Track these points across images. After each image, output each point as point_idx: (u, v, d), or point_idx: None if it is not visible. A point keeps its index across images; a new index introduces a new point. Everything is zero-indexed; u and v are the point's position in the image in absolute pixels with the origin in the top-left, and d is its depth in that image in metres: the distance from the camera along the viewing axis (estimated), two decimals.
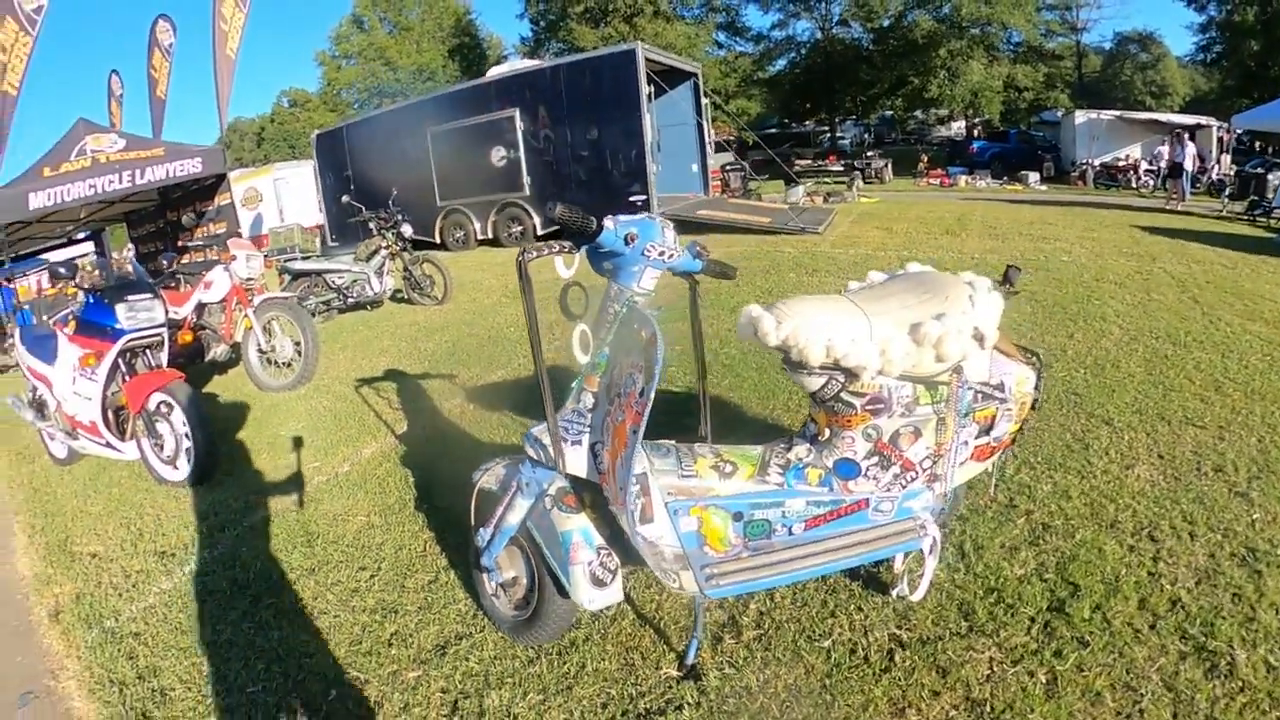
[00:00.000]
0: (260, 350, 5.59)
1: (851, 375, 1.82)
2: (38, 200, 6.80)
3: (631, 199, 10.75)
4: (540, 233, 11.47)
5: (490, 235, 12.19)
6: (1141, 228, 9.29)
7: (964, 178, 18.36)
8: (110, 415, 3.98)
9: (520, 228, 11.82)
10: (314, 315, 7.83)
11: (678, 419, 2.71)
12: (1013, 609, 2.05)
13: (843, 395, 1.85)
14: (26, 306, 8.73)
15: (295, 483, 3.73)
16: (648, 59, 10.64)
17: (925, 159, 20.96)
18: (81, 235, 12.64)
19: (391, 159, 12.78)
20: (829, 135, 30.26)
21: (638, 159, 10.59)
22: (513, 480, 1.95)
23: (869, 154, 20.64)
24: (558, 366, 3.03)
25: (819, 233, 9.62)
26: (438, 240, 12.74)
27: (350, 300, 7.98)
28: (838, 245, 8.69)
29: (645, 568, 1.81)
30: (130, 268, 4.63)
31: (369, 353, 6.27)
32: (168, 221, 11.93)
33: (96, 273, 4.34)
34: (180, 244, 10.17)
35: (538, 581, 1.99)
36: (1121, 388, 3.65)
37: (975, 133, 26.63)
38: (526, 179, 11.63)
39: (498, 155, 11.81)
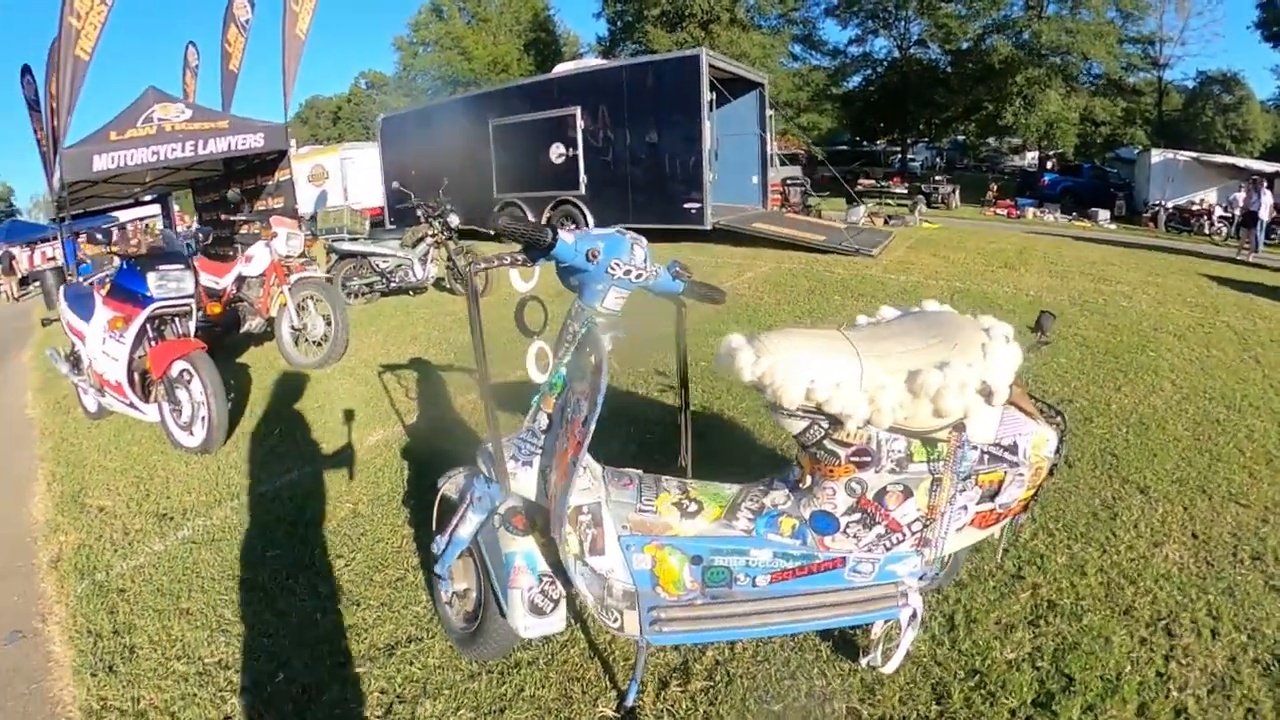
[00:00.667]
0: (293, 327, 5.73)
1: (836, 422, 1.68)
2: (102, 162, 7.13)
3: (686, 206, 10.70)
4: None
5: None
6: (1210, 277, 8.75)
7: (1032, 210, 17.71)
8: (135, 377, 4.12)
9: (574, 225, 11.88)
10: (357, 296, 8.04)
11: (660, 448, 2.62)
12: (993, 697, 1.87)
13: (825, 443, 1.70)
14: (88, 261, 9.17)
15: (298, 461, 3.79)
16: (712, 66, 10.56)
17: (995, 188, 20.27)
18: (148, 198, 13.26)
19: (453, 148, 13.05)
20: (900, 156, 29.62)
21: (695, 166, 10.52)
22: (469, 492, 1.90)
23: (936, 178, 20.07)
24: (525, 382, 3.07)
25: (872, 255, 9.39)
26: (492, 232, 12.93)
27: (393, 284, 8.14)
28: (890, 270, 8.47)
29: (582, 601, 1.72)
30: (162, 240, 4.81)
31: (400, 339, 6.36)
32: (236, 190, 12.42)
33: (133, 240, 4.52)
34: (224, 218, 10.57)
35: (484, 598, 1.94)
36: (1164, 452, 3.36)
37: (1048, 165, 25.71)
38: (583, 178, 11.70)
39: (556, 152, 11.90)
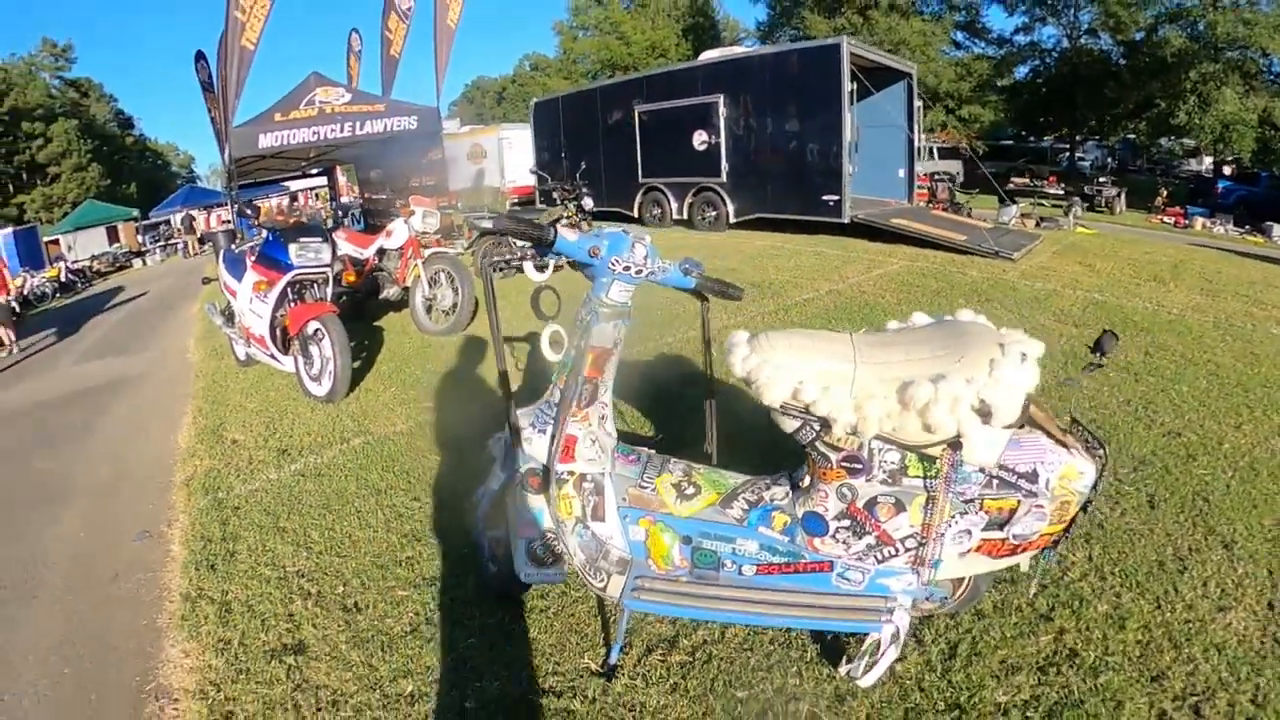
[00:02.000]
0: (425, 297, 6.35)
1: (827, 425, 1.72)
2: (266, 140, 8.21)
3: (824, 198, 10.56)
4: (732, 220, 11.69)
5: (685, 216, 12.59)
6: None
7: (1202, 220, 15.44)
8: (276, 332, 4.81)
9: (715, 212, 12.05)
10: (498, 271, 8.65)
11: (690, 434, 2.74)
12: None
13: (818, 444, 1.76)
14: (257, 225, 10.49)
15: (407, 416, 4.28)
16: (856, 55, 10.26)
17: (1165, 194, 17.87)
18: (314, 171, 14.93)
19: (600, 132, 13.72)
20: (1068, 154, 26.99)
21: (834, 158, 10.32)
22: (502, 452, 2.17)
23: (1101, 180, 18.07)
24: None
25: (1013, 259, 8.83)
26: (636, 215, 13.45)
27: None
28: (1027, 276, 7.94)
29: (570, 559, 1.91)
30: (304, 217, 5.52)
31: (524, 313, 6.77)
32: (392, 168, 13.72)
33: (278, 215, 5.24)
34: (368, 196, 11.51)
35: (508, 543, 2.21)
36: (1268, 504, 2.95)
37: (1223, 170, 22.34)
38: (725, 165, 11.82)
39: (699, 139, 12.09)
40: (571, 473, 1.88)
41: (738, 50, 13.05)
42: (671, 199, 12.77)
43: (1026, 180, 19.78)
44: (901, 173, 12.39)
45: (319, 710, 1.96)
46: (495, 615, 2.27)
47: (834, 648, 2.10)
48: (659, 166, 12.95)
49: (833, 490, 1.79)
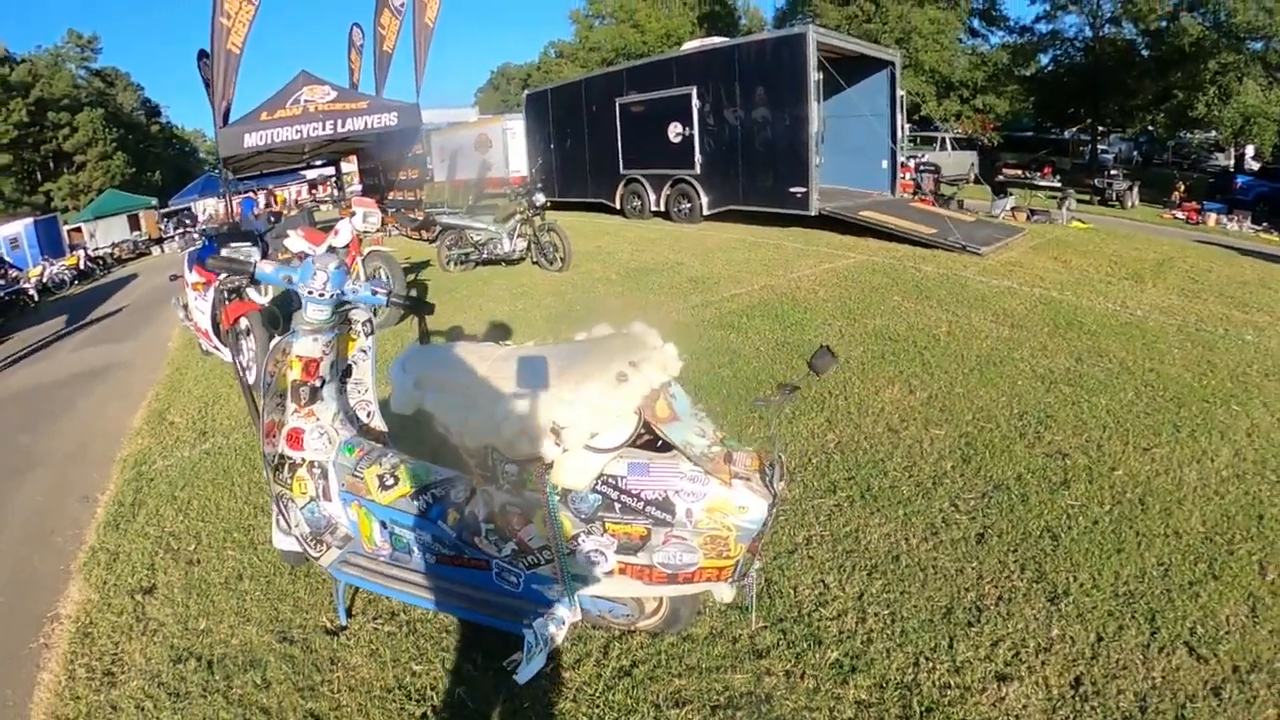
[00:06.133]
0: None
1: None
2: (251, 140, 8.86)
3: (792, 190, 10.81)
4: (706, 213, 12.01)
5: (663, 208, 12.91)
6: None
7: (1216, 216, 15.12)
8: (217, 326, 5.42)
9: (689, 204, 12.35)
10: (456, 264, 9.22)
11: None
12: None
13: (462, 451, 1.97)
14: (256, 216, 11.18)
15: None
16: (826, 45, 10.44)
17: (1182, 188, 17.45)
18: (320, 162, 15.71)
19: (586, 124, 14.12)
20: (1090, 146, 26.54)
21: (800, 149, 10.51)
22: None
23: (1111, 173, 17.81)
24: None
25: (980, 254, 8.90)
26: (618, 206, 13.82)
27: (484, 255, 9.22)
28: (988, 272, 8.03)
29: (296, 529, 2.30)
30: (240, 222, 6.11)
31: (466, 307, 7.25)
32: (379, 161, 14.37)
33: (212, 222, 5.85)
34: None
35: None
36: (1135, 551, 2.62)
37: (1245, 164, 21.73)
38: (698, 157, 12.10)
39: (674, 131, 12.39)
40: (303, 459, 2.27)
41: (713, 40, 13.31)
42: (650, 191, 13.13)
43: (1019, 172, 19.57)
44: (884, 164, 12.54)
45: (145, 635, 2.53)
46: (287, 577, 2.79)
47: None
48: (639, 159, 13.31)
49: (480, 494, 1.98)
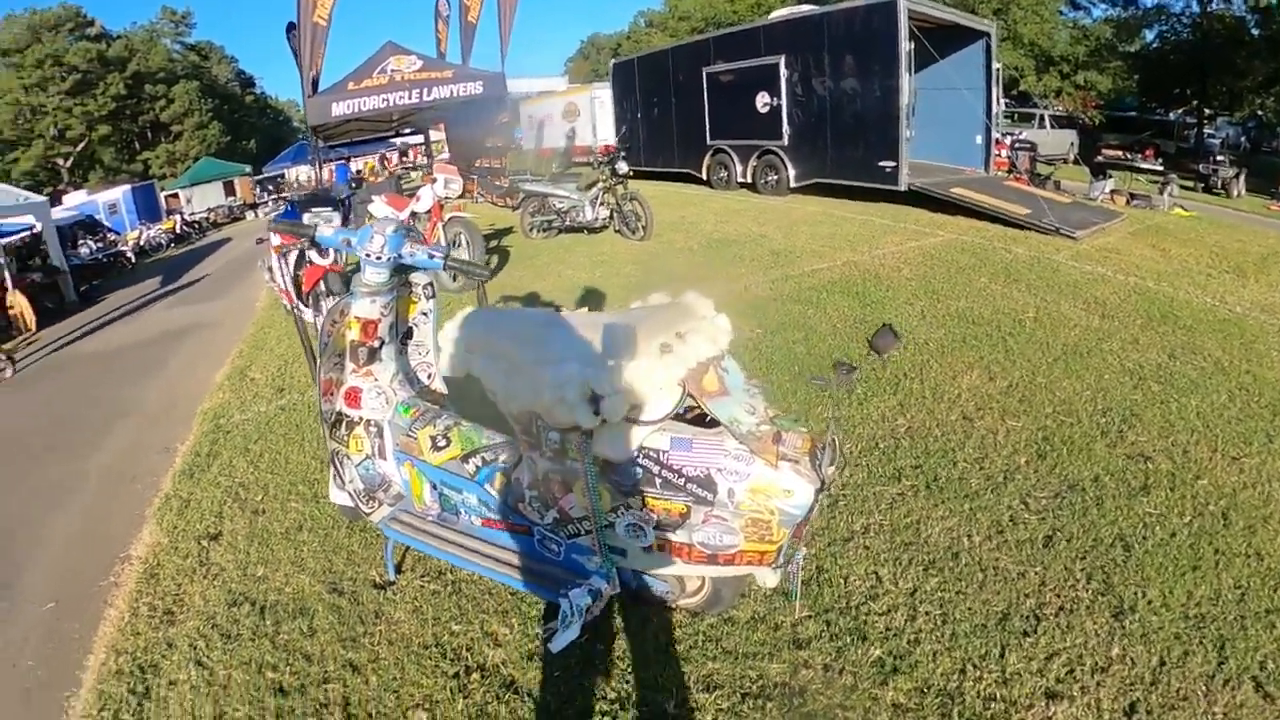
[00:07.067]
0: None
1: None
2: (339, 109, 9.13)
3: (881, 164, 10.47)
4: (793, 185, 11.76)
5: (749, 180, 12.72)
6: None
7: None
8: (296, 287, 5.66)
9: (776, 176, 12.09)
10: (539, 231, 9.31)
11: None
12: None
13: (509, 415, 1.95)
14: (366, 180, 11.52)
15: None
16: (919, 14, 9.96)
17: None
18: (409, 130, 16.14)
19: (672, 94, 14.01)
20: (1196, 130, 24.33)
21: (890, 122, 10.14)
22: None
23: (1218, 159, 16.16)
24: None
25: (1074, 238, 8.41)
26: (704, 177, 13.68)
27: (567, 223, 9.25)
28: (1080, 257, 7.58)
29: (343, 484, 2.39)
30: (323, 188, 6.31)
31: (546, 274, 7.32)
32: (466, 129, 14.62)
33: (298, 186, 6.06)
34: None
35: None
36: (1211, 570, 2.38)
37: None
38: (786, 128, 11.81)
39: (762, 101, 12.12)
40: (360, 417, 2.35)
41: (801, 8, 12.90)
42: (737, 162, 12.91)
43: (1120, 154, 18.10)
44: (979, 139, 11.93)
45: (206, 578, 2.68)
46: (343, 531, 2.88)
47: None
48: (726, 129, 13.08)
49: (525, 460, 1.97)
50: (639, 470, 1.78)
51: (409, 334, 2.51)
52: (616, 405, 1.70)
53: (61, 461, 4.29)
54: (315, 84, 9.65)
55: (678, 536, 1.82)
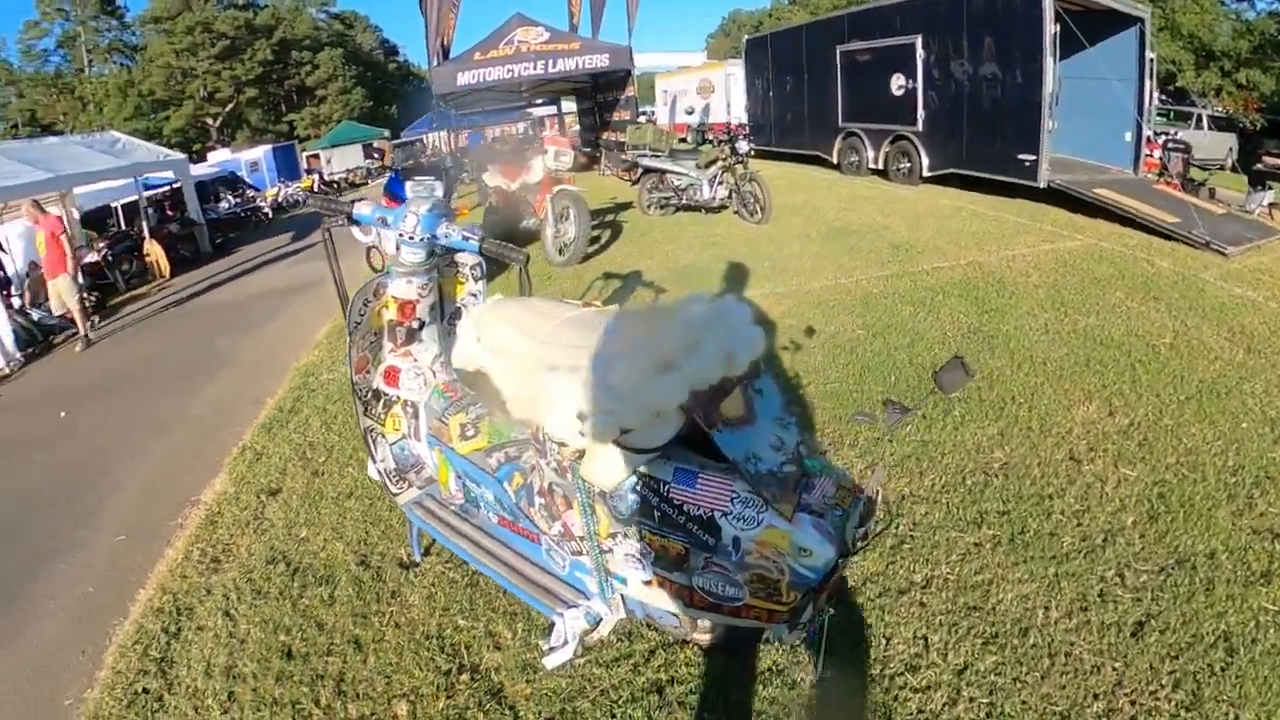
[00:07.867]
0: (553, 232, 6.92)
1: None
2: (464, 78, 9.41)
3: (1020, 157, 9.68)
4: (926, 174, 11.11)
5: (880, 166, 12.09)
6: None
7: None
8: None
9: (908, 164, 11.43)
10: (656, 208, 9.19)
11: None
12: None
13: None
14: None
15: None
16: None
17: None
18: (541, 101, 16.57)
19: (805, 72, 13.52)
20: None
21: (1031, 112, 9.35)
22: None
23: None
24: None
25: (1225, 254, 7.42)
26: (834, 160, 13.14)
27: (684, 201, 9.03)
28: (1230, 278, 6.68)
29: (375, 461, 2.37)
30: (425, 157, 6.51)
31: (653, 252, 7.22)
32: (595, 102, 14.78)
33: (399, 154, 6.28)
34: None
35: None
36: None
37: None
38: (921, 113, 11.11)
39: (896, 83, 11.47)
40: (398, 397, 2.33)
41: None
42: (869, 146, 12.29)
43: None
44: (1128, 136, 10.74)
45: (255, 532, 2.81)
46: (386, 503, 2.92)
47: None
48: (859, 111, 12.48)
49: (537, 466, 1.83)
50: (635, 500, 1.58)
51: (456, 314, 2.44)
52: (602, 426, 1.46)
53: (171, 398, 4.69)
54: (446, 52, 9.99)
55: (677, 578, 1.61)
